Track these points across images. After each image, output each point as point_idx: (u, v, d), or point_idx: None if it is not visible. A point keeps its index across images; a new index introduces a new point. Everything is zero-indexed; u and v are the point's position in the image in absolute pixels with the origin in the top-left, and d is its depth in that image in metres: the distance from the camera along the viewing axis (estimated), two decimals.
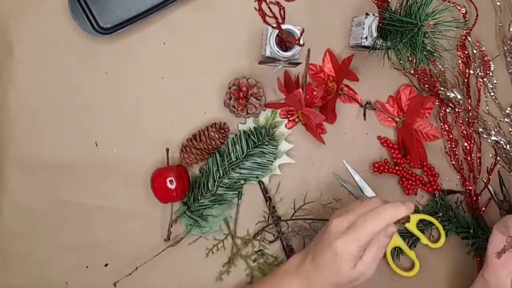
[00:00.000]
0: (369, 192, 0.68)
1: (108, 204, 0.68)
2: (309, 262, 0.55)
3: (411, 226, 0.68)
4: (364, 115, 0.69)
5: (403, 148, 0.69)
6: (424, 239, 0.68)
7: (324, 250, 0.54)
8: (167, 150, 0.66)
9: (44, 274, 0.67)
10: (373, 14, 0.61)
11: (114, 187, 0.68)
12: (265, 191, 0.68)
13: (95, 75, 0.67)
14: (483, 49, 0.69)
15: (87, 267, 0.68)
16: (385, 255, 0.68)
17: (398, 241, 0.68)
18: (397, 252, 0.69)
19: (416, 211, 0.69)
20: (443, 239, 0.68)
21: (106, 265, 0.68)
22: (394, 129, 0.70)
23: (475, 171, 0.70)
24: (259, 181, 0.68)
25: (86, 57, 0.67)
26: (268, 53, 0.61)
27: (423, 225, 0.69)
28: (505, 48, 0.70)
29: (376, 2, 0.59)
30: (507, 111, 0.70)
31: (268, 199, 0.68)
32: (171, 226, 0.66)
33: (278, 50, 0.59)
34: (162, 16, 0.66)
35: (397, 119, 0.68)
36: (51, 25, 0.66)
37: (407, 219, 0.53)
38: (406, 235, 0.69)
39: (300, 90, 0.61)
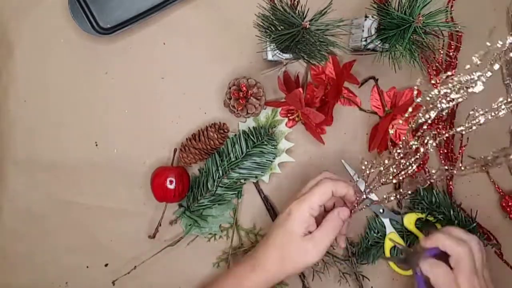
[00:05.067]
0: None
1: (108, 204, 0.68)
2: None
3: (410, 225, 0.68)
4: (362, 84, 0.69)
5: (371, 136, 0.69)
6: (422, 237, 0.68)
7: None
8: (175, 150, 0.66)
9: (44, 274, 0.67)
10: (372, 16, 0.62)
11: (114, 187, 0.68)
12: (261, 192, 0.68)
13: (95, 75, 0.67)
14: None
15: (87, 267, 0.68)
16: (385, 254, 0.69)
17: (397, 240, 0.68)
18: (396, 251, 0.69)
19: (413, 210, 0.69)
20: None
21: (106, 265, 0.68)
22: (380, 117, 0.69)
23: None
24: (254, 183, 0.68)
25: (86, 57, 0.67)
26: (270, 57, 0.62)
27: (421, 223, 0.69)
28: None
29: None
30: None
31: (264, 200, 0.68)
32: (160, 224, 0.66)
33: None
34: (162, 16, 0.67)
35: (386, 109, 0.68)
36: (51, 25, 0.66)
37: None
38: (405, 234, 0.69)
39: (300, 89, 0.61)
